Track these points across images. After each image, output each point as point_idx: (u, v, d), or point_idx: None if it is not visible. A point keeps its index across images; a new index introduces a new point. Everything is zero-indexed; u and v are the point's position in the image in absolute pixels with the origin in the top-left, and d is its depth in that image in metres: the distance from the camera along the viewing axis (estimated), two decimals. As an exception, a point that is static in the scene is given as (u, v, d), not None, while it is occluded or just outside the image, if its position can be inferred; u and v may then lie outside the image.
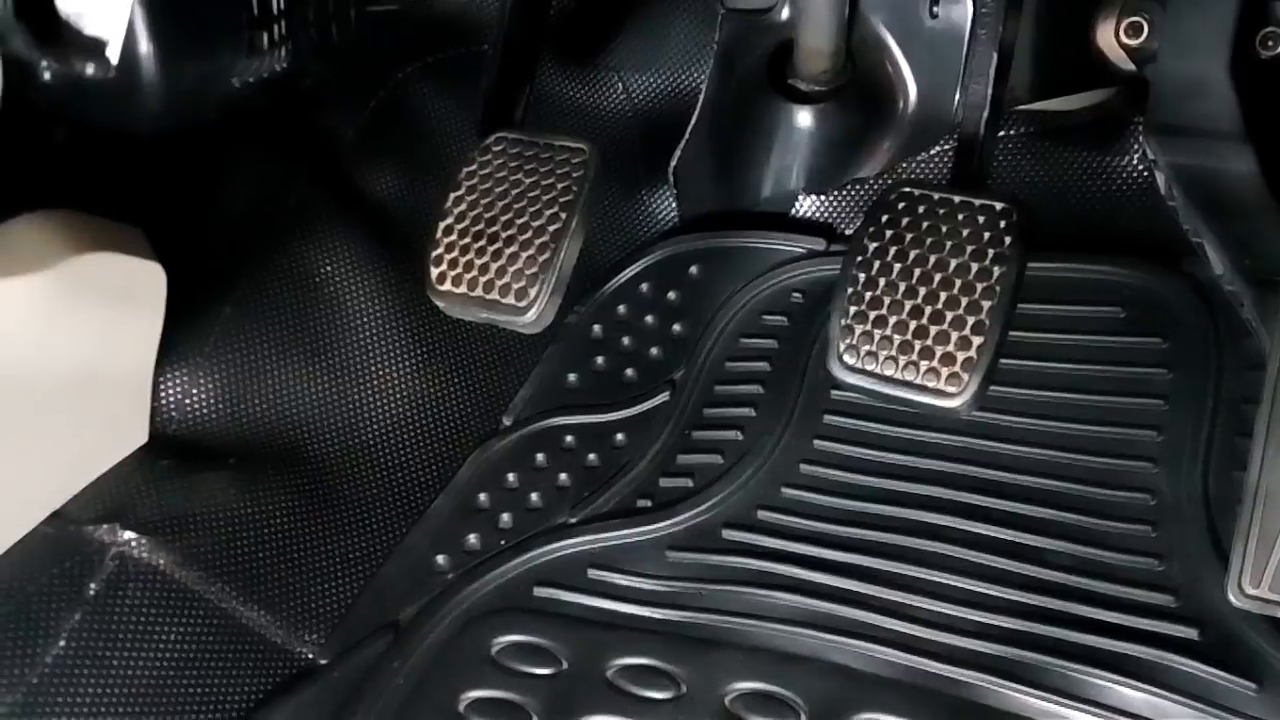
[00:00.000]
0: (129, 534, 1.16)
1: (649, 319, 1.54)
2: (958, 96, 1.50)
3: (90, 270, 1.07)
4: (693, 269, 1.57)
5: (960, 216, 1.07)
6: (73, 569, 1.13)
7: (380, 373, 1.40)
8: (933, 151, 1.51)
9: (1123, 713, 1.04)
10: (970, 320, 1.02)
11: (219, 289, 1.30)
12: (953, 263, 1.05)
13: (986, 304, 1.03)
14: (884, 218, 1.10)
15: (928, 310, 1.04)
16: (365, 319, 1.40)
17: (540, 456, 1.42)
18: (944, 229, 1.07)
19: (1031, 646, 1.09)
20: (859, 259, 1.09)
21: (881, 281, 1.07)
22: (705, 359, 1.46)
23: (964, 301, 1.03)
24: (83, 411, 1.13)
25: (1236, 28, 1.09)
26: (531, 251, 1.14)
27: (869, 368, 1.05)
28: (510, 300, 1.14)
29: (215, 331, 1.28)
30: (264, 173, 1.38)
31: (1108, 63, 1.42)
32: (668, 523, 1.29)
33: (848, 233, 1.54)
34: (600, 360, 1.52)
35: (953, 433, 1.27)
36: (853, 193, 1.56)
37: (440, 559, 1.33)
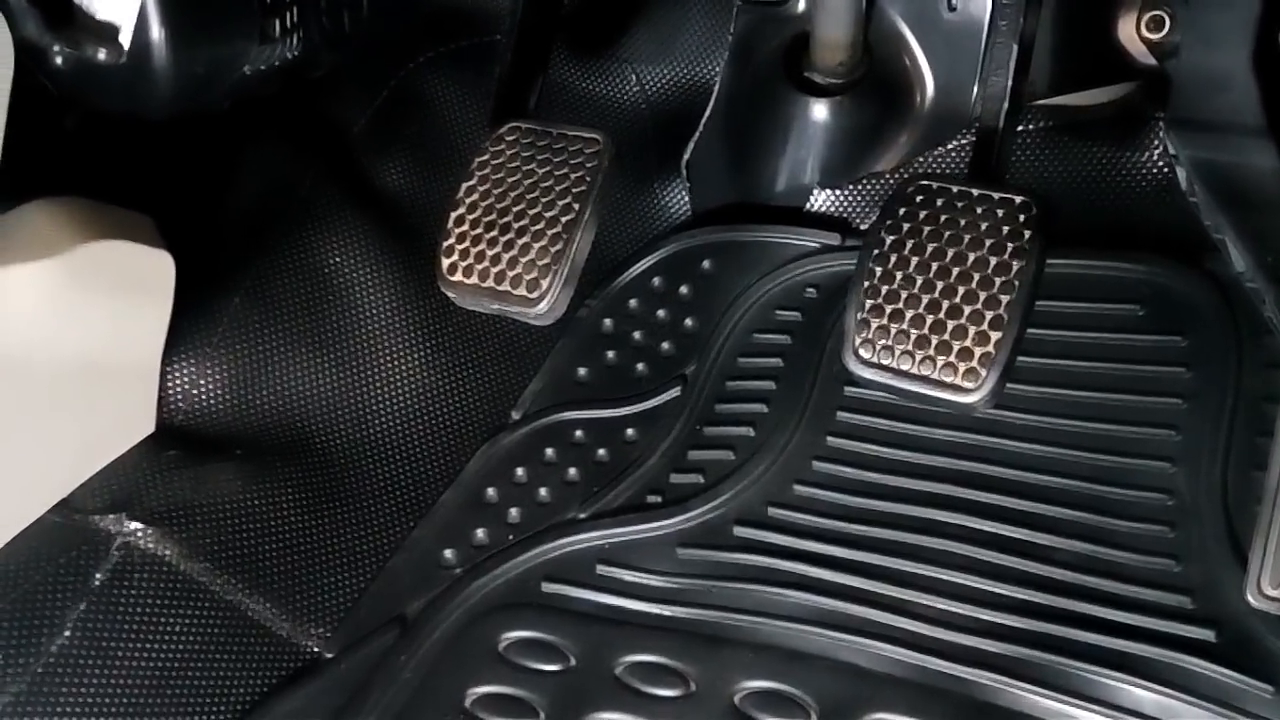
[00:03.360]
0: (135, 524, 1.16)
1: (660, 313, 1.53)
2: (975, 90, 1.49)
3: (99, 258, 1.07)
4: (705, 263, 1.56)
5: (979, 210, 1.06)
6: (78, 559, 1.12)
7: (389, 365, 1.39)
8: (949, 146, 1.49)
9: (1136, 714, 1.03)
10: (988, 315, 1.01)
11: (228, 279, 1.29)
12: (971, 256, 1.04)
13: (1005, 298, 1.01)
14: (901, 210, 1.09)
15: (945, 304, 1.03)
16: (375, 310, 1.39)
17: (549, 451, 1.41)
18: (962, 222, 1.06)
19: (1045, 647, 1.08)
20: (875, 252, 1.07)
21: (898, 275, 1.05)
22: (717, 354, 1.45)
23: (982, 296, 1.02)
24: (90, 400, 1.12)
25: (1260, 21, 1.08)
26: (544, 242, 1.13)
27: (885, 362, 1.04)
28: (522, 291, 1.13)
29: (224, 321, 1.27)
30: (275, 162, 1.38)
31: (1128, 57, 1.41)
32: (678, 519, 1.28)
33: (863, 227, 1.53)
34: (611, 354, 1.51)
35: (968, 430, 1.26)
36: (868, 187, 1.54)
37: (448, 553, 1.32)
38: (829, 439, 1.31)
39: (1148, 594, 1.09)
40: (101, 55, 1.03)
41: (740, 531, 1.25)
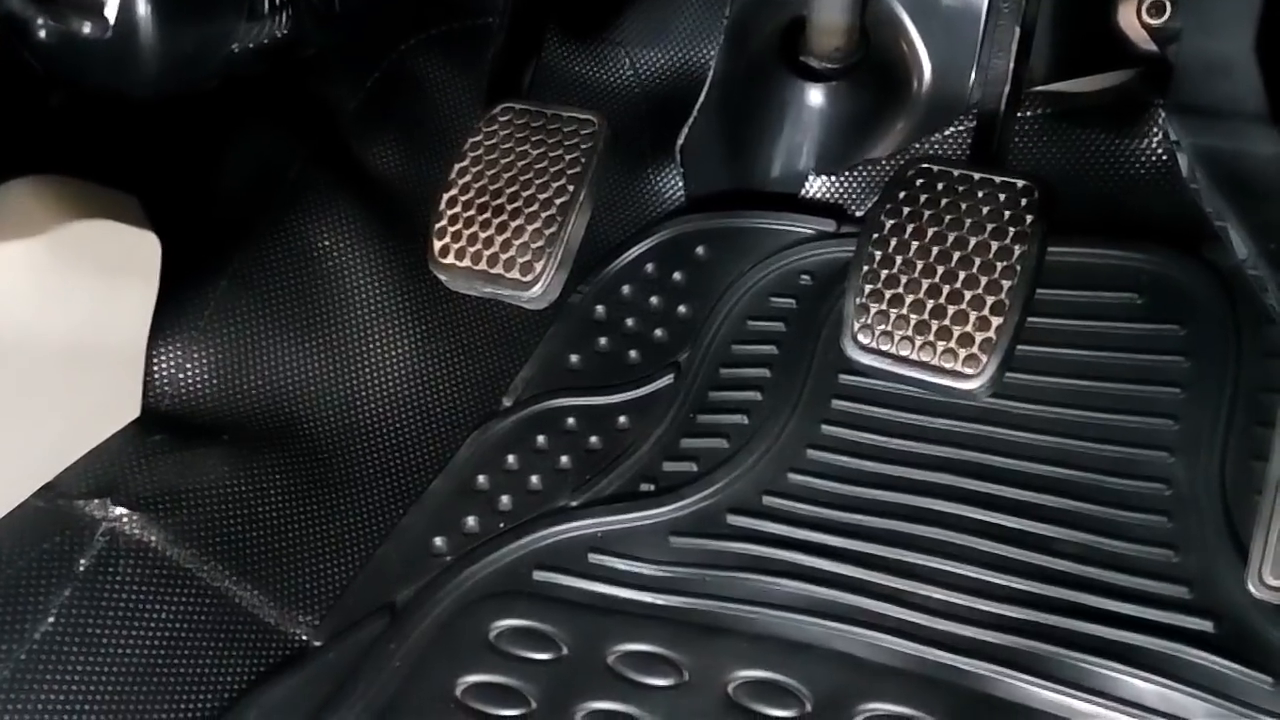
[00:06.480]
0: (120, 510, 1.14)
1: (654, 300, 1.52)
2: (973, 76, 1.49)
3: (83, 238, 1.05)
4: (699, 249, 1.55)
5: (980, 194, 1.05)
6: (63, 544, 1.11)
7: (379, 350, 1.38)
8: (947, 132, 1.48)
9: (1134, 705, 1.02)
10: (990, 300, 1.00)
11: (215, 261, 1.28)
12: (972, 241, 1.03)
13: (1006, 283, 1.00)
14: (901, 194, 1.08)
15: (945, 289, 1.02)
16: (364, 295, 1.38)
17: (541, 438, 1.40)
18: (963, 206, 1.05)
19: (1041, 637, 1.07)
20: (875, 236, 1.06)
21: (898, 259, 1.04)
22: (711, 341, 1.44)
23: (983, 281, 1.01)
24: (74, 383, 1.11)
25: (1263, 6, 1.07)
26: (538, 225, 1.12)
27: (884, 348, 1.03)
28: (515, 274, 1.12)
29: (211, 305, 1.26)
30: (264, 143, 1.36)
31: (1129, 43, 1.40)
32: (671, 507, 1.27)
33: (859, 214, 1.52)
34: (603, 341, 1.50)
35: (964, 419, 1.25)
36: (864, 173, 1.53)
37: (438, 541, 1.31)
38: (824, 427, 1.30)
39: (1146, 584, 1.09)
40: (86, 30, 1.01)
41: (734, 520, 1.24)
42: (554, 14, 1.39)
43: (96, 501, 1.13)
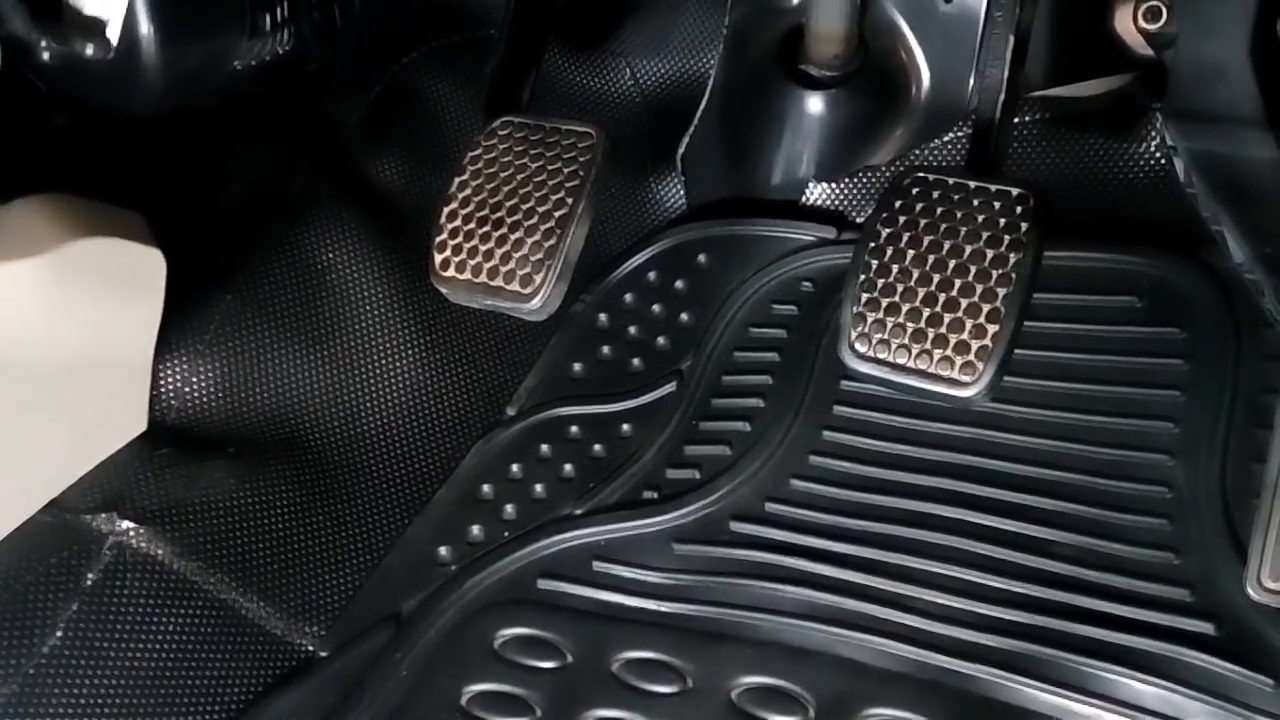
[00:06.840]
0: (127, 523, 1.15)
1: (656, 308, 1.53)
2: (971, 83, 1.49)
3: (89, 255, 1.06)
4: (701, 257, 1.55)
5: (975, 202, 1.05)
6: (70, 558, 1.11)
7: (383, 362, 1.39)
8: (945, 139, 1.49)
9: (1136, 708, 1.02)
10: (985, 308, 1.01)
11: (220, 276, 1.29)
12: (967, 249, 1.03)
13: (1002, 291, 1.01)
14: (897, 203, 1.08)
15: (941, 298, 1.02)
16: (368, 307, 1.38)
17: (545, 447, 1.40)
18: (959, 215, 1.05)
19: (1044, 641, 1.08)
20: (871, 245, 1.07)
21: (894, 268, 1.05)
22: (713, 349, 1.44)
23: (979, 289, 1.01)
24: (81, 399, 1.11)
25: (1257, 11, 1.07)
26: (537, 237, 1.13)
27: (881, 356, 1.04)
28: (515, 287, 1.12)
29: (216, 319, 1.27)
30: (266, 158, 1.37)
31: (1125, 48, 1.40)
32: (674, 515, 1.27)
33: (859, 221, 1.52)
34: (606, 350, 1.51)
35: (965, 425, 1.25)
36: (864, 180, 1.54)
37: (443, 550, 1.32)
38: (826, 433, 1.30)
39: (1147, 587, 1.09)
40: (90, 51, 1.02)
41: (737, 527, 1.25)
42: (554, 25, 1.39)
43: (103, 516, 1.14)
